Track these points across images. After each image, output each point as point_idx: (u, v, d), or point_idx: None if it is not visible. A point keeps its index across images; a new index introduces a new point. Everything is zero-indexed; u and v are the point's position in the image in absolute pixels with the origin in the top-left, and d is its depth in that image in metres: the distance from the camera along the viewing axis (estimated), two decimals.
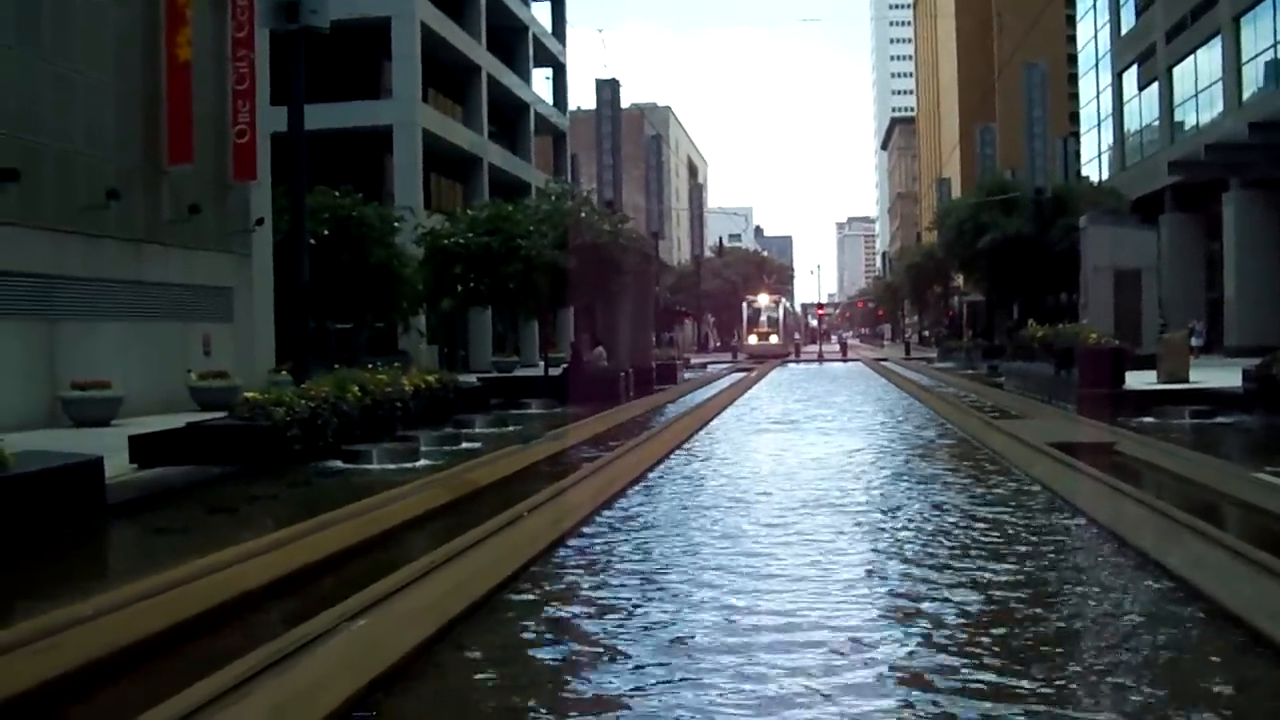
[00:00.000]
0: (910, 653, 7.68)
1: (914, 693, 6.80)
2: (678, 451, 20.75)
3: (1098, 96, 67.70)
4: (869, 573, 10.25)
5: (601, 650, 7.94)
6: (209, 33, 29.92)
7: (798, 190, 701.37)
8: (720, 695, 6.80)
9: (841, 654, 7.61)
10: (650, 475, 17.37)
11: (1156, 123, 55.58)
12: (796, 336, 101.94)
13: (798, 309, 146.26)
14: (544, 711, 6.76)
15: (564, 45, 78.13)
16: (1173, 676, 7.05)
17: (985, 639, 7.93)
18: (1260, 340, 35.19)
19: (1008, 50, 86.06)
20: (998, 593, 9.30)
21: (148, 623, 8.28)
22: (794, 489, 15.60)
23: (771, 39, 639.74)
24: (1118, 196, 52.05)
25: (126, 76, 27.56)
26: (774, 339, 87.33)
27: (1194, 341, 30.05)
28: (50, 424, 23.43)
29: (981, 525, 12.34)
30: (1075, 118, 77.20)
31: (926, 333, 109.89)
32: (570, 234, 38.08)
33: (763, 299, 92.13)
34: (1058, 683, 6.94)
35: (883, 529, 12.37)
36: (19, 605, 9.32)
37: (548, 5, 78.49)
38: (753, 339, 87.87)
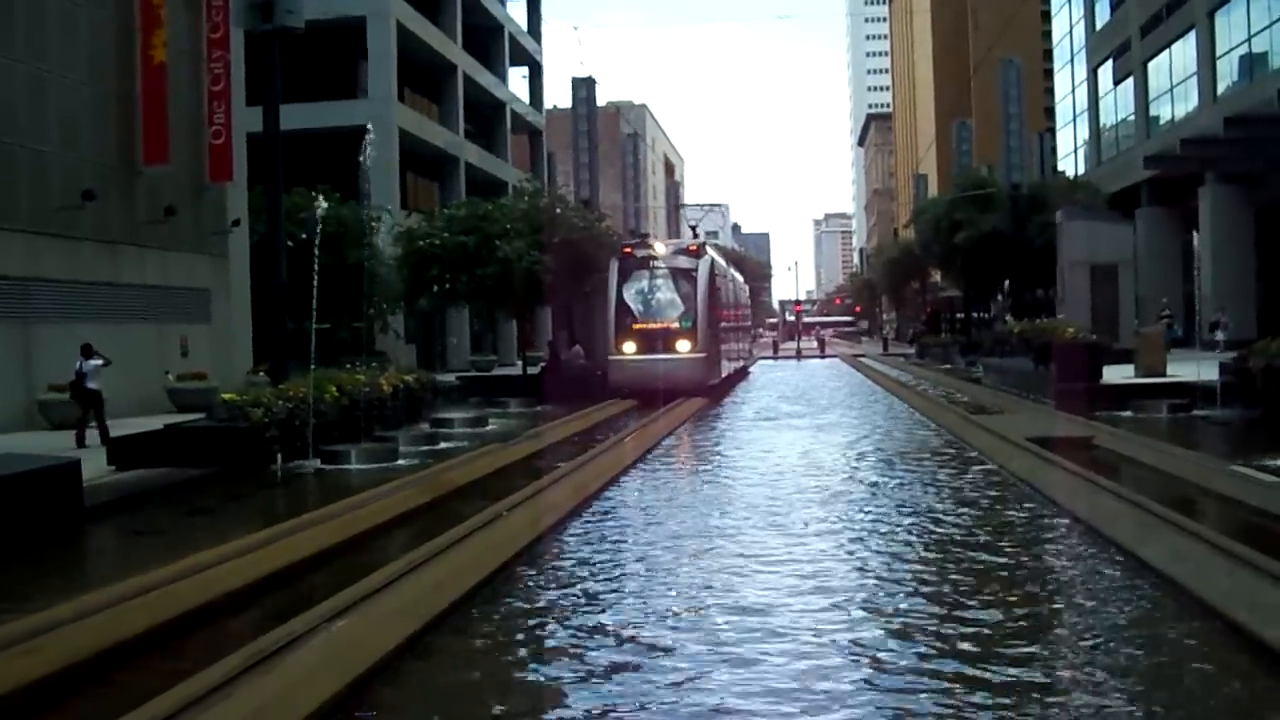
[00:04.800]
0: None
1: None
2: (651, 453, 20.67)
3: (1073, 91, 67.82)
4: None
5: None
6: (184, 33, 29.80)
7: (775, 187, 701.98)
8: None
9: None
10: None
11: (1132, 117, 55.73)
12: (763, 333, 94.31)
13: (774, 303, 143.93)
14: None
15: (540, 44, 77.99)
16: (1152, 660, 7.12)
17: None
18: (1236, 334, 35.34)
19: (983, 46, 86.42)
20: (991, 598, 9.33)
21: (128, 625, 8.26)
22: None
23: (748, 35, 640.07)
24: (1094, 191, 52.15)
25: (101, 77, 27.44)
26: (685, 346, 36.69)
27: (1219, 335, 29.25)
28: (27, 426, 23.34)
29: (967, 523, 12.39)
30: (1051, 113, 77.30)
31: (899, 328, 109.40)
32: (547, 232, 38.05)
33: (659, 248, 39.17)
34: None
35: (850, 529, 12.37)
36: None
37: (523, 3, 78.35)
38: (629, 346, 36.75)
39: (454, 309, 48.51)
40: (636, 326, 36.35)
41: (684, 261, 37.49)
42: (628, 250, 38.12)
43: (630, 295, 36.73)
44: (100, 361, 20.53)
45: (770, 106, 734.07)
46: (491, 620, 8.72)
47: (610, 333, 36.60)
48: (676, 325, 36.38)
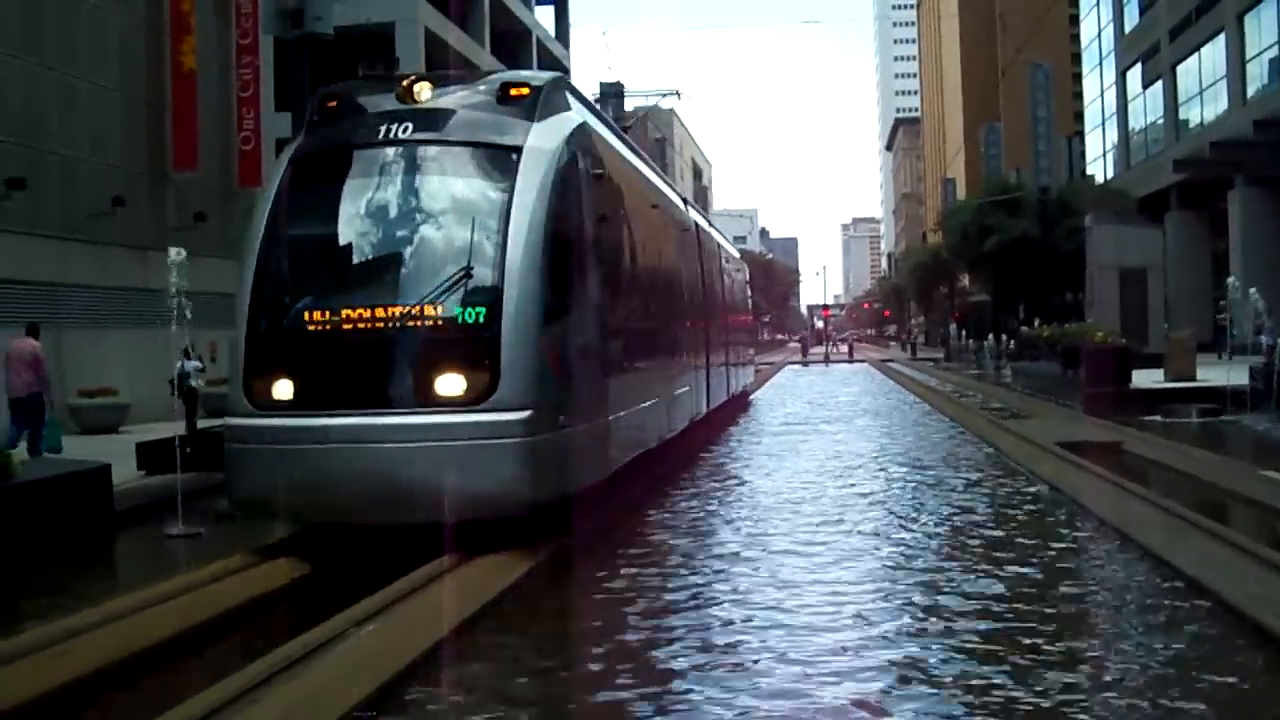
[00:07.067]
0: None
1: None
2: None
3: (1102, 95, 67.50)
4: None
5: None
6: (213, 40, 30.00)
7: (803, 191, 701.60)
8: None
9: None
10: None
11: (1161, 121, 55.42)
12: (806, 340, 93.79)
13: (802, 309, 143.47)
14: None
15: (568, 49, 78.03)
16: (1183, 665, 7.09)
17: None
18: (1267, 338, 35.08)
19: (1011, 50, 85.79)
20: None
21: (157, 629, 8.31)
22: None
23: (776, 40, 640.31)
24: (1123, 195, 51.94)
25: (131, 84, 27.65)
26: (457, 384, 10.27)
27: (1264, 339, 28.36)
28: None
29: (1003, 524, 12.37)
30: (1079, 117, 76.87)
31: (927, 332, 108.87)
32: None
33: (421, 90, 11.54)
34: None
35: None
36: (29, 613, 9.34)
37: (551, 9, 78.44)
38: (283, 388, 10.92)
39: None
40: (314, 325, 11.27)
41: (483, 126, 11.62)
42: (332, 102, 12.64)
43: (315, 227, 12.61)
44: (199, 364, 21.20)
45: (798, 111, 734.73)
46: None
47: (239, 346, 12.19)
48: (441, 316, 10.59)
